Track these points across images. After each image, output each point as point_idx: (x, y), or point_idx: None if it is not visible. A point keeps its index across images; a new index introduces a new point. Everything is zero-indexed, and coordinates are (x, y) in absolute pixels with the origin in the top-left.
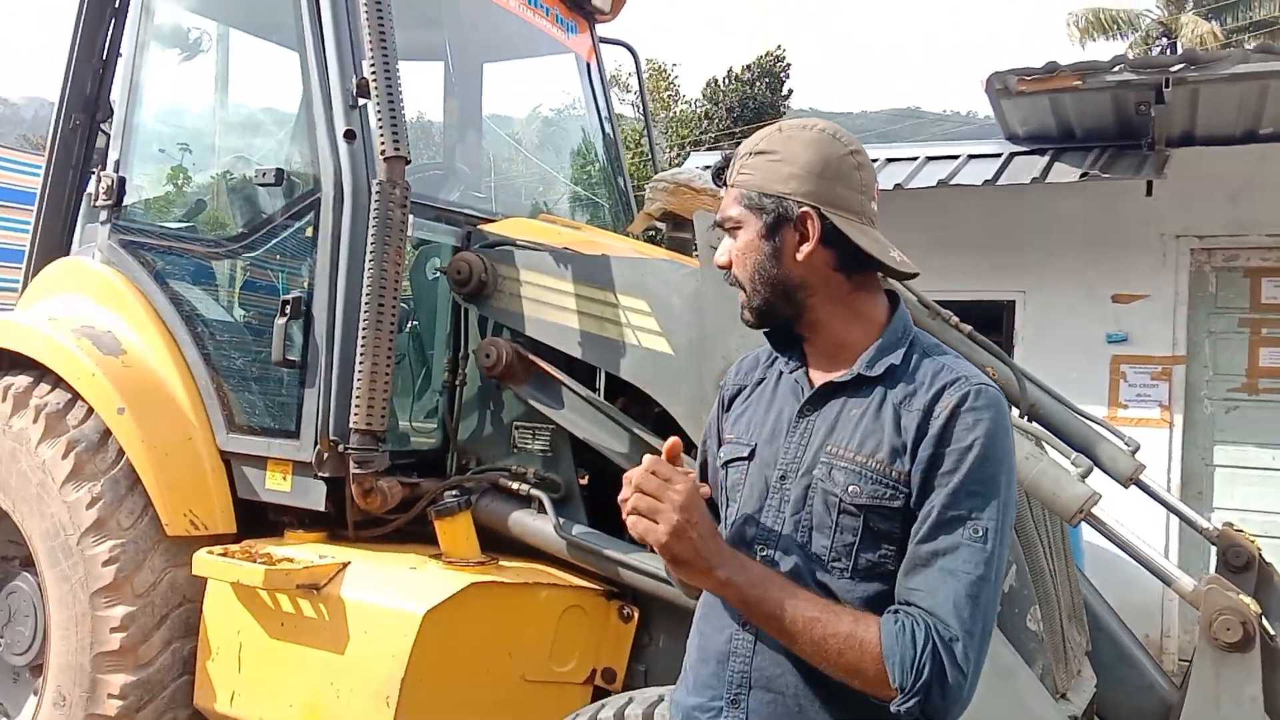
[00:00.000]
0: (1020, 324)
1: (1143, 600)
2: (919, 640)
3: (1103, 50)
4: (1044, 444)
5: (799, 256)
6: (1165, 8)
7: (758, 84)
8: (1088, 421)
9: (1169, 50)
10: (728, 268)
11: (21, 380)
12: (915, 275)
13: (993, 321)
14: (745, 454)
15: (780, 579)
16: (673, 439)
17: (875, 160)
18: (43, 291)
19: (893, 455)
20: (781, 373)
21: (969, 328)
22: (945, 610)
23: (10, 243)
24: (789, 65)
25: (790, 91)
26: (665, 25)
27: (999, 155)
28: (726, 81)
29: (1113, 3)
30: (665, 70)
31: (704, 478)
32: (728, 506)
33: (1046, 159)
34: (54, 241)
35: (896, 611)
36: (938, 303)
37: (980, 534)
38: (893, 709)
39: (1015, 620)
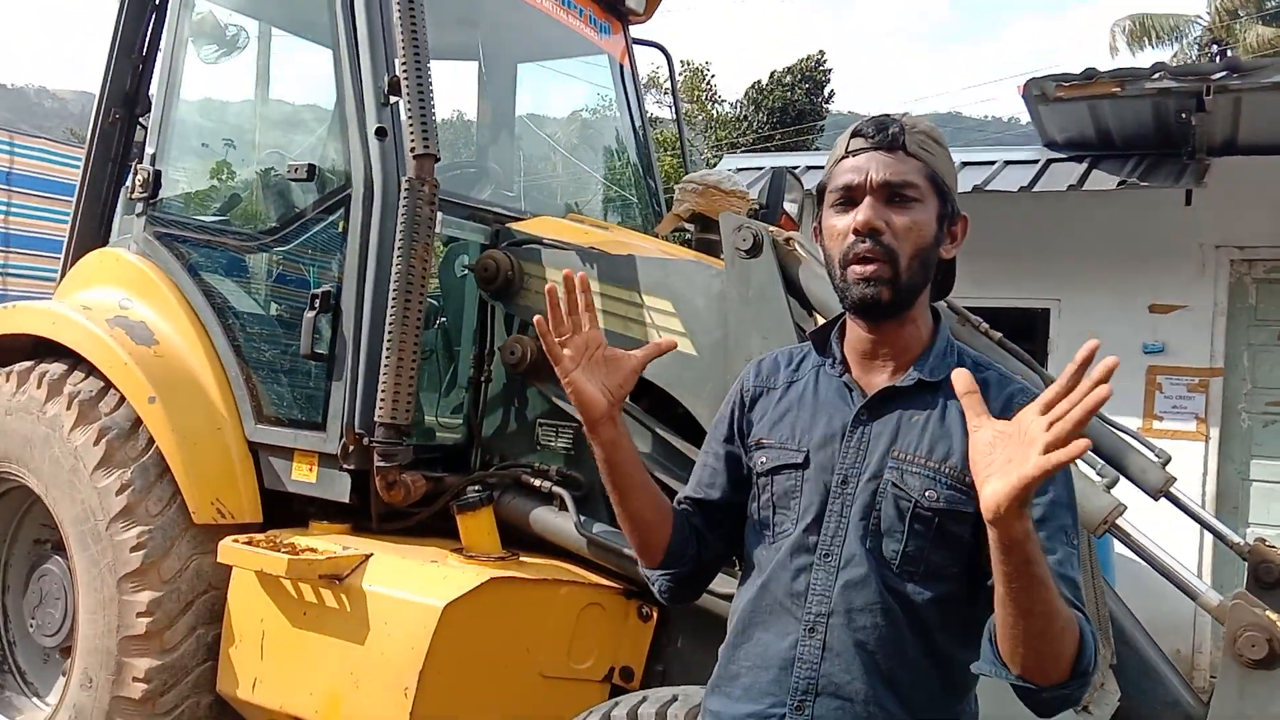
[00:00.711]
0: (1055, 332)
1: (1174, 614)
2: (1089, 636)
3: (1151, 59)
4: None
5: (945, 253)
6: (1216, 14)
7: (798, 88)
8: (1117, 432)
9: (1218, 57)
10: (879, 233)
11: (56, 368)
12: (948, 294)
13: (1026, 329)
14: (799, 460)
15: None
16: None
17: None
18: (79, 281)
19: (964, 462)
20: (819, 376)
21: (998, 335)
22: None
23: (57, 233)
24: (830, 70)
25: (831, 94)
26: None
27: (1036, 161)
28: (769, 85)
29: (1160, 7)
30: (702, 71)
31: (713, 471)
32: (776, 513)
33: (1084, 166)
34: (92, 233)
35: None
36: (969, 309)
37: (1074, 542)
38: (1055, 694)
39: None
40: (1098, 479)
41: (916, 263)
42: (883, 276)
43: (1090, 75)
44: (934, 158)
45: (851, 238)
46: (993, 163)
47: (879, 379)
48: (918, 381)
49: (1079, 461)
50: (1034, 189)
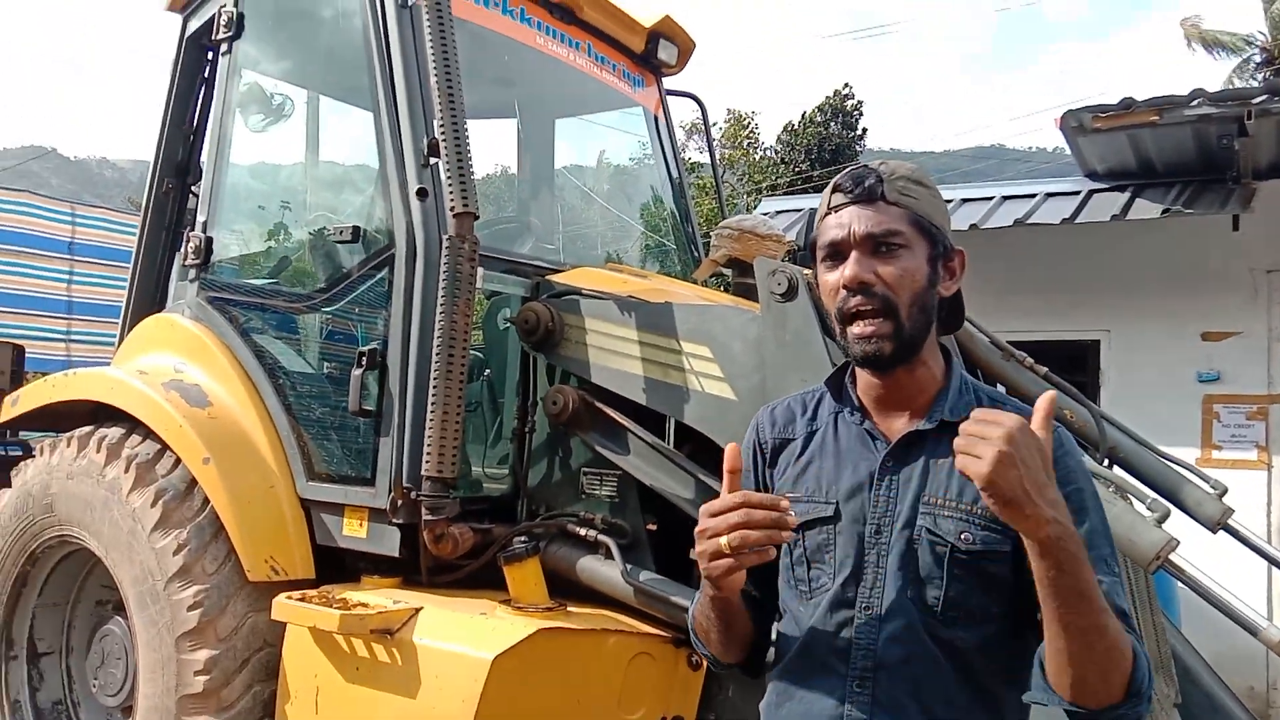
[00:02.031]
0: (1105, 364)
1: (1246, 650)
2: (1142, 656)
3: (1219, 68)
4: (1122, 489)
5: (944, 291)
6: (1273, 29)
7: (831, 124)
8: (1171, 464)
9: (1265, 79)
10: (869, 286)
11: (115, 432)
12: (960, 327)
13: (1076, 361)
14: (829, 514)
15: (1085, 553)
16: (732, 446)
17: (950, 201)
18: (136, 347)
19: None
20: (838, 424)
21: (1044, 369)
22: (1138, 646)
23: (118, 299)
24: (860, 103)
25: (865, 130)
26: (744, 73)
27: (1078, 193)
28: (801, 125)
29: (1219, 21)
30: (744, 118)
31: None
32: (811, 569)
33: (1127, 195)
34: (148, 299)
35: None
36: (1016, 343)
37: (1116, 570)
38: (1110, 716)
39: None
40: (1149, 514)
41: (915, 309)
42: (883, 333)
43: (1128, 105)
44: (917, 201)
45: (843, 293)
46: (1033, 196)
47: (899, 424)
48: (940, 423)
49: (1129, 496)
50: (1077, 220)
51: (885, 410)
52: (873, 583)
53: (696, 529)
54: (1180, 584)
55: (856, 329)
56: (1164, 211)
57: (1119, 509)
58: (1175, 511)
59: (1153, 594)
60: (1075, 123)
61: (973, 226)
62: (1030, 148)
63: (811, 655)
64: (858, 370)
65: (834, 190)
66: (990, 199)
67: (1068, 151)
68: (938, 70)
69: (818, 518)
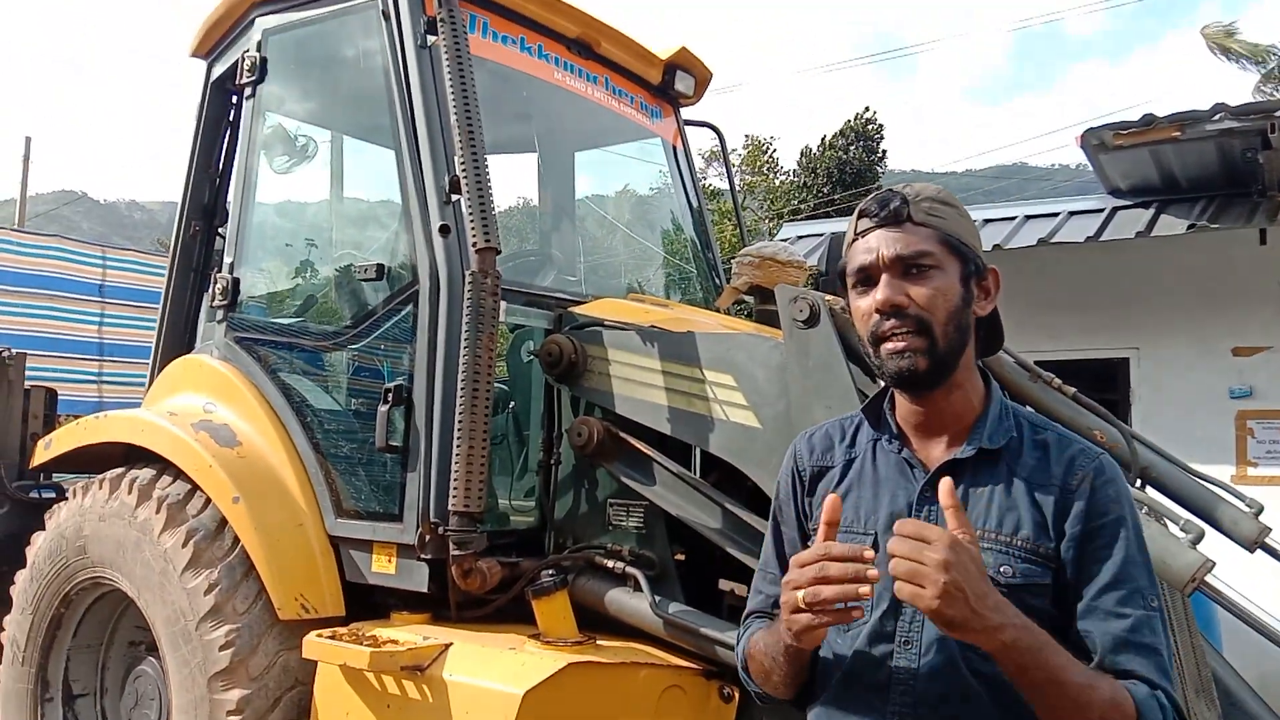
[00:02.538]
0: (1135, 382)
1: None
2: (1168, 711)
3: (1245, 79)
4: (1156, 511)
5: (979, 311)
6: None
7: (852, 148)
8: (1205, 483)
9: None
10: (901, 308)
11: (146, 473)
12: (999, 350)
13: (1105, 380)
14: (868, 544)
15: (1049, 638)
16: (833, 497)
17: (971, 222)
18: (166, 388)
19: (1037, 532)
20: (876, 451)
21: (1073, 390)
22: (1165, 684)
23: (148, 340)
24: (881, 126)
25: (885, 153)
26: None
27: (1101, 210)
28: (820, 149)
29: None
30: (764, 144)
31: (779, 558)
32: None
33: (1151, 212)
34: (177, 340)
35: (1137, 684)
36: (1044, 363)
37: (1154, 604)
38: None
39: None
40: (1183, 535)
41: (951, 327)
42: (917, 347)
43: (1149, 121)
44: (945, 221)
45: (876, 317)
46: (1056, 214)
47: (937, 451)
48: (979, 450)
49: (1163, 518)
50: (1101, 238)
51: (924, 437)
52: (912, 617)
53: (784, 579)
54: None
55: (889, 345)
56: (1189, 227)
57: (1153, 531)
58: (1210, 531)
59: (1190, 616)
60: (1096, 140)
61: (996, 247)
62: (1052, 165)
63: (850, 690)
64: (896, 396)
65: (860, 215)
66: (1013, 218)
67: (1090, 168)
68: (957, 90)
69: None
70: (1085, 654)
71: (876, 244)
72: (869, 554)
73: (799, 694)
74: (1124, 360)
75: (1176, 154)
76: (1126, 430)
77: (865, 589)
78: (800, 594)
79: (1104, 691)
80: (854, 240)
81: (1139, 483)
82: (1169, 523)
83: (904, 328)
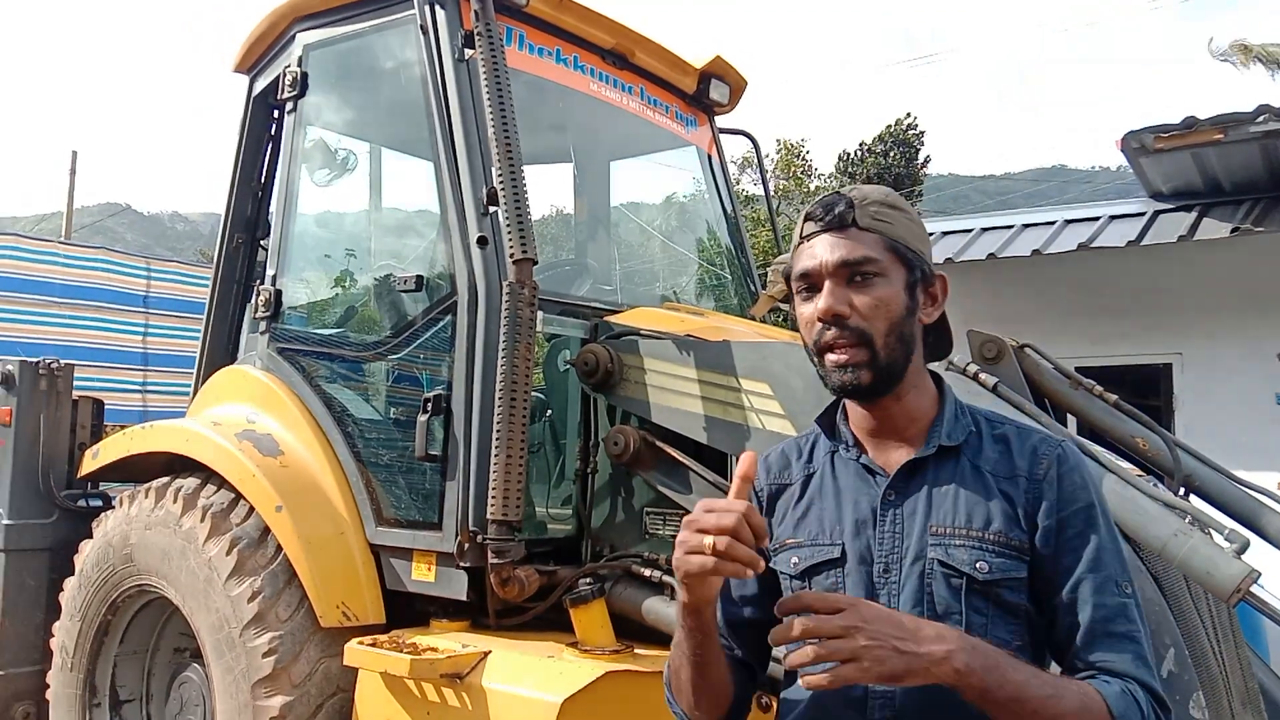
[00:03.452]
0: (1179, 388)
1: None
2: (1143, 704)
3: (1264, 83)
4: (1199, 520)
5: (924, 319)
6: None
7: (892, 153)
8: (1250, 491)
9: None
10: (842, 318)
11: (190, 482)
12: (948, 354)
13: (1148, 386)
14: (836, 555)
15: (1001, 653)
16: (749, 453)
17: (1010, 227)
18: (210, 398)
19: (1008, 524)
20: (835, 463)
21: (1114, 397)
22: (1142, 674)
23: (192, 351)
24: (923, 132)
25: (928, 159)
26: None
27: (1142, 214)
28: (858, 154)
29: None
30: (796, 148)
31: (739, 584)
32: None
33: (1194, 215)
34: (221, 351)
35: (1108, 681)
36: (1084, 369)
37: (1128, 590)
38: None
39: (1177, 708)
40: (1227, 545)
41: (893, 339)
42: (860, 361)
43: (1190, 124)
44: (891, 225)
45: (819, 325)
46: (1097, 218)
47: (896, 455)
48: (939, 449)
49: (1207, 527)
50: (1143, 242)
51: (880, 443)
52: None
53: (685, 518)
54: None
55: (832, 357)
56: (1233, 230)
57: (1196, 541)
58: (1256, 541)
59: (1236, 627)
60: (1137, 144)
61: (1035, 252)
62: (1093, 167)
63: (822, 710)
64: (848, 405)
65: (806, 219)
66: (1053, 223)
67: (1132, 171)
68: (994, 92)
69: (824, 560)
70: (1066, 650)
71: (821, 250)
72: (765, 544)
73: (720, 716)
74: (1167, 366)
75: (1219, 156)
76: (1169, 438)
77: (761, 565)
78: (710, 539)
79: (1071, 700)
80: (799, 244)
81: (1182, 491)
82: (1213, 532)
83: (845, 339)
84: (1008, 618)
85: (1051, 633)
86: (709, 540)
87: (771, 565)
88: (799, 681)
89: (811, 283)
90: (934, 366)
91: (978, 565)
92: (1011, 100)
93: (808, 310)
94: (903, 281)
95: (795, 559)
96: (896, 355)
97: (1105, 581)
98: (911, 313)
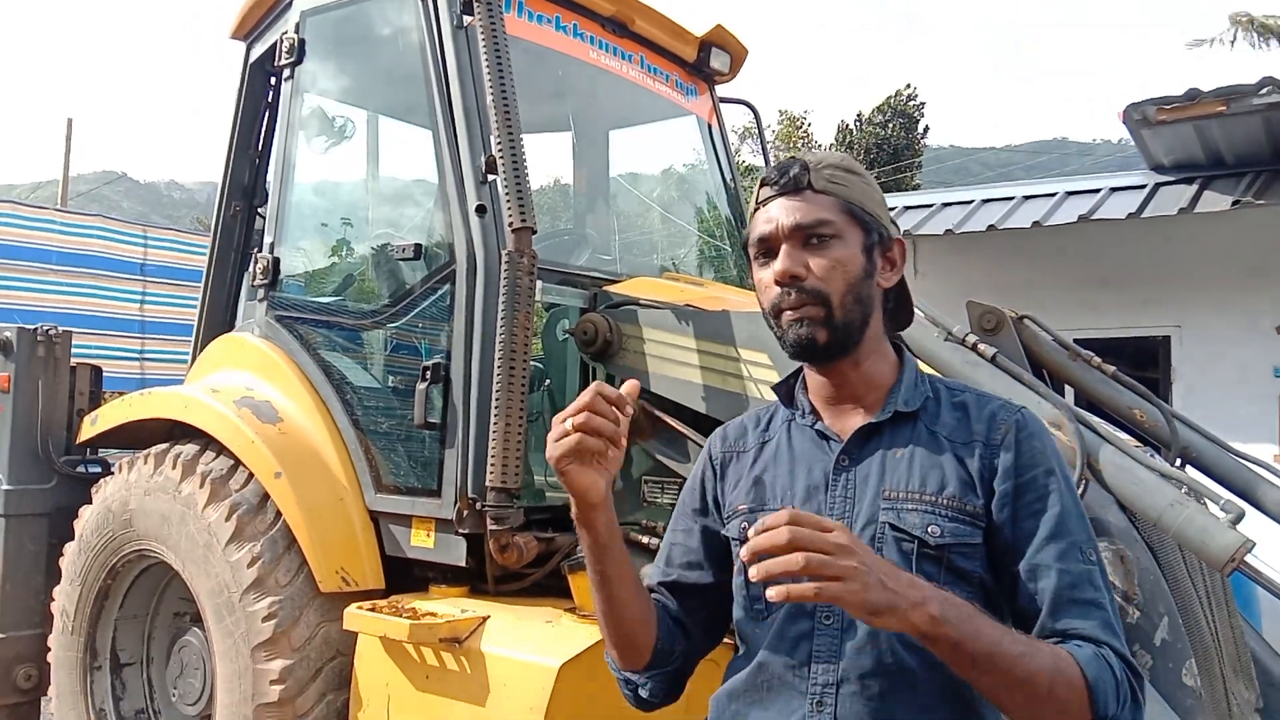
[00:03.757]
0: (1177, 360)
1: None
2: (1116, 668)
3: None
4: (1196, 490)
5: (882, 283)
6: None
7: (891, 125)
8: (1246, 463)
9: None
10: (799, 280)
11: (189, 449)
12: (909, 324)
13: (1146, 358)
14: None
15: (974, 608)
16: (631, 382)
17: (1011, 198)
18: (208, 365)
19: (963, 489)
20: (791, 430)
21: (1112, 368)
22: (1112, 640)
23: (189, 318)
24: (923, 103)
25: (927, 129)
26: (798, 73)
27: (1143, 187)
28: (858, 125)
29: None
30: (798, 119)
31: (686, 549)
32: (767, 584)
33: (1195, 188)
34: (219, 318)
35: (1079, 645)
36: (1083, 340)
37: (1092, 556)
38: None
39: (1169, 675)
40: (1223, 515)
41: (850, 299)
42: (814, 317)
43: (1193, 96)
44: (847, 188)
45: (776, 290)
46: (1097, 191)
47: (852, 421)
48: (895, 414)
49: (1203, 497)
50: (1143, 215)
51: (837, 410)
52: None
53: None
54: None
55: (788, 314)
56: (1234, 203)
57: (1192, 511)
58: (1251, 511)
59: (1230, 597)
60: (1139, 115)
61: (1035, 224)
62: (1094, 139)
63: (766, 673)
64: (807, 373)
65: (761, 184)
66: (1053, 195)
67: (1134, 143)
68: (994, 62)
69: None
70: (1031, 619)
71: (776, 213)
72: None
73: (654, 668)
74: (1165, 339)
75: (1221, 129)
76: (1166, 409)
77: (626, 413)
78: (568, 423)
79: (1045, 658)
80: (756, 210)
81: (1179, 462)
82: (1209, 502)
83: (802, 297)
84: (961, 584)
85: (1014, 601)
86: (568, 423)
87: (723, 532)
88: (769, 593)
89: (768, 247)
90: (927, 340)
91: (929, 529)
92: (1009, 69)
93: (765, 275)
94: (859, 244)
95: (744, 524)
96: (853, 316)
97: (1069, 548)
98: (869, 275)
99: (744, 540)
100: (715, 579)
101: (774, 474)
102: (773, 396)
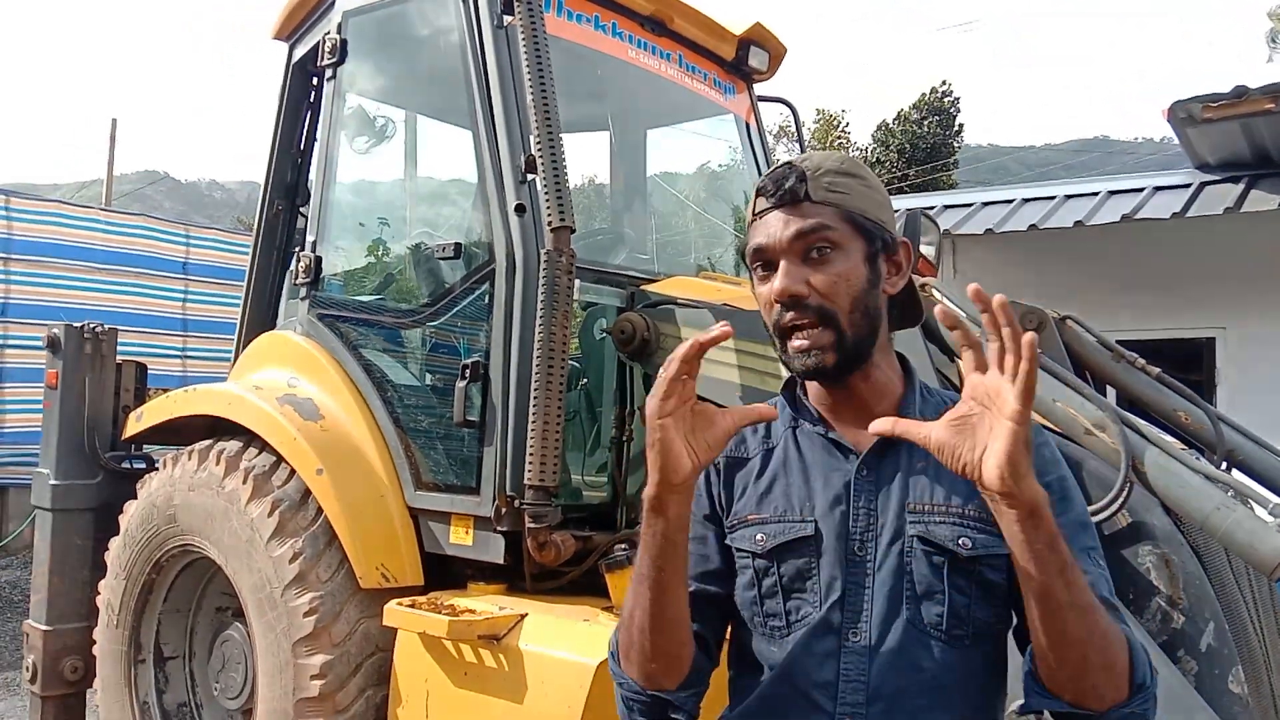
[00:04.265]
0: (1222, 362)
1: None
2: (1139, 648)
3: None
4: (1242, 494)
5: (889, 290)
6: None
7: (926, 122)
8: None
9: None
10: (801, 298)
11: (232, 445)
12: (922, 320)
13: (1190, 361)
14: (809, 533)
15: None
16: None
17: (1052, 198)
18: (251, 363)
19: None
20: (798, 437)
21: (1156, 370)
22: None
23: (231, 317)
24: (958, 99)
25: (961, 127)
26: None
27: (1188, 186)
28: (895, 123)
29: None
30: (835, 119)
31: (703, 558)
32: (790, 599)
33: (1241, 187)
34: (262, 316)
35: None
36: (1126, 343)
37: (1104, 564)
38: (1119, 714)
39: (1215, 682)
40: (1270, 519)
41: (858, 314)
42: (824, 344)
43: (1240, 93)
44: (847, 195)
45: (777, 307)
46: (1141, 190)
47: (865, 431)
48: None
49: (1250, 501)
50: (1188, 215)
51: (845, 420)
52: (860, 606)
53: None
54: None
55: (795, 343)
56: None
57: (1239, 515)
58: None
59: (1277, 601)
60: (1184, 114)
61: (1078, 223)
62: (1136, 138)
63: (785, 692)
64: (808, 382)
65: (757, 194)
66: (1095, 194)
67: (1177, 141)
68: (1034, 59)
69: (796, 538)
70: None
71: (774, 226)
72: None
73: (681, 691)
74: (1210, 341)
75: (1269, 127)
76: (1212, 411)
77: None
78: (656, 402)
79: (1104, 612)
80: (753, 220)
81: (1224, 465)
82: (1255, 505)
83: (806, 320)
84: (990, 597)
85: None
86: (654, 404)
87: (728, 542)
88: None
89: (767, 260)
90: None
91: (960, 541)
92: (1046, 68)
93: (765, 291)
94: (862, 254)
95: (760, 535)
96: (862, 332)
97: (1082, 552)
98: (874, 285)
99: (757, 554)
100: (729, 590)
101: (788, 484)
102: None
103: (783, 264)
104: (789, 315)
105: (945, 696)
